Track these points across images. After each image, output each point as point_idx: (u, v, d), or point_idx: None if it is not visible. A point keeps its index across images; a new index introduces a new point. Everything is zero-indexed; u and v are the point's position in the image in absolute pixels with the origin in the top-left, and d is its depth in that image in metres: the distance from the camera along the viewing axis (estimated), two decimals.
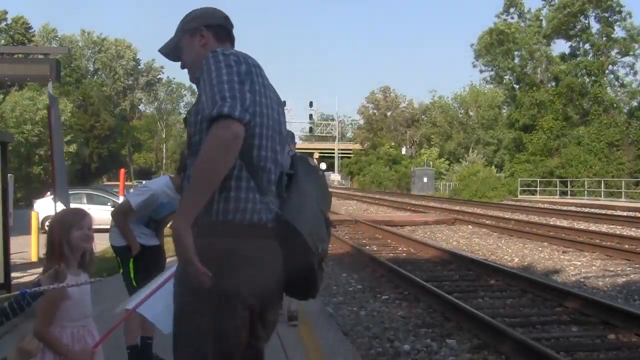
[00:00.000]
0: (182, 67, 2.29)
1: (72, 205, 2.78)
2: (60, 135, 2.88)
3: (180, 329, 2.01)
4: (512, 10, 44.45)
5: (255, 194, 2.00)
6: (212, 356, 1.95)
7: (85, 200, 17.23)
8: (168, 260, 4.55)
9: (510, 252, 11.85)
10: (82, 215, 2.66)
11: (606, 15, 40.74)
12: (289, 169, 2.15)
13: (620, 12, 40.57)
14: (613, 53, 41.93)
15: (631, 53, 41.41)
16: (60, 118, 2.81)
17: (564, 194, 36.49)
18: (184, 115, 2.21)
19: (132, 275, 4.13)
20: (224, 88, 1.93)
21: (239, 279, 1.95)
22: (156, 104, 76.57)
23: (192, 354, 1.97)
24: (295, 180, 2.11)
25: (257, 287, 1.99)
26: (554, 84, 42.63)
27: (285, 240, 2.01)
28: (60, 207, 2.68)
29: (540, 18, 43.79)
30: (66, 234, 2.57)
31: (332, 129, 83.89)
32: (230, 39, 2.28)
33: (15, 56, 8.45)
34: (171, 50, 2.32)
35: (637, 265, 9.80)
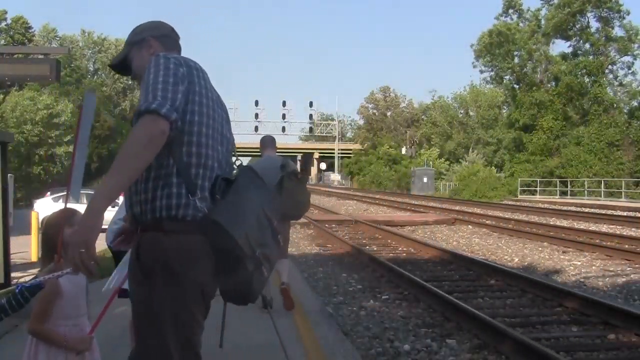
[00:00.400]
0: (133, 77, 2.37)
1: (73, 206, 2.80)
2: (86, 133, 2.92)
3: (145, 319, 2.06)
4: (511, 11, 44.54)
5: (198, 190, 2.07)
6: (177, 349, 2.03)
7: (85, 200, 17.22)
8: None
9: (510, 252, 11.85)
10: (73, 212, 2.68)
11: (605, 14, 40.77)
12: (230, 175, 2.19)
13: (619, 11, 40.62)
14: (612, 53, 41.94)
15: (630, 53, 41.43)
16: (91, 117, 2.85)
17: (564, 194, 36.50)
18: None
19: None
20: (157, 88, 2.01)
21: (199, 273, 2.05)
22: None
23: (157, 344, 2.03)
24: (235, 185, 2.14)
25: (212, 280, 2.09)
26: (553, 84, 42.64)
27: (216, 240, 2.04)
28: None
29: (539, 18, 43.82)
30: (59, 231, 2.58)
31: (332, 129, 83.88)
32: (178, 49, 2.36)
33: (15, 56, 8.46)
34: (120, 63, 2.39)
35: (637, 265, 9.80)
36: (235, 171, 2.24)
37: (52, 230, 2.62)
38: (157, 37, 2.32)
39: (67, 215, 2.64)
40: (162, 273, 2.01)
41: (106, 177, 1.94)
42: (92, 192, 2.22)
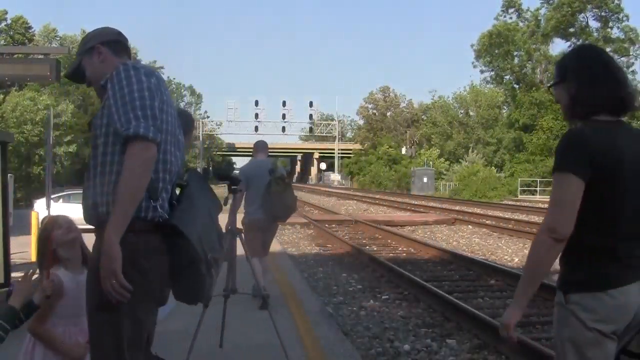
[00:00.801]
0: (88, 85, 2.44)
1: (72, 205, 2.90)
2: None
3: (104, 312, 2.12)
4: (510, 10, 44.53)
5: (162, 194, 2.21)
6: (130, 343, 2.13)
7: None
8: None
9: (510, 252, 11.85)
10: (56, 216, 2.78)
11: (605, 15, 40.73)
12: (183, 180, 2.34)
13: (619, 12, 40.57)
14: (611, 54, 41.87)
15: (631, 54, 41.39)
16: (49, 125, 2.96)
17: None
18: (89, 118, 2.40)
19: None
20: (136, 105, 2.11)
21: (161, 271, 2.19)
22: None
23: (113, 337, 2.11)
24: (187, 191, 2.31)
25: (166, 279, 2.23)
26: None
27: (174, 244, 2.18)
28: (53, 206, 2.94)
29: (539, 18, 43.79)
30: (50, 238, 2.64)
31: (332, 129, 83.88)
32: (128, 53, 2.45)
33: (15, 56, 8.46)
34: (74, 72, 2.47)
35: None
36: (185, 175, 2.38)
37: (40, 241, 2.68)
38: (104, 43, 2.38)
39: (51, 221, 2.72)
40: (130, 270, 2.08)
41: (115, 209, 2.07)
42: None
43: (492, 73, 46.43)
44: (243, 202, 5.68)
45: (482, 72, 47.73)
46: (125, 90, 2.13)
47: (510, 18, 44.56)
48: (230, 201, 5.48)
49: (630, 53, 41.18)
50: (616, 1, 40.11)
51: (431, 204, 28.22)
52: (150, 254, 2.15)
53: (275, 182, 3.18)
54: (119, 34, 2.46)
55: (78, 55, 2.45)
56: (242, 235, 4.54)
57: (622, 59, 42.01)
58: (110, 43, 2.40)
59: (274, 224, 5.98)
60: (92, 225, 2.26)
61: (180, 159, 2.33)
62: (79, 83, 2.54)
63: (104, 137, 2.20)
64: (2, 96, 37.06)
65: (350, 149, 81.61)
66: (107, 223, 2.12)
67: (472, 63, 47.12)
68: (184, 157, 2.39)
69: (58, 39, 60.56)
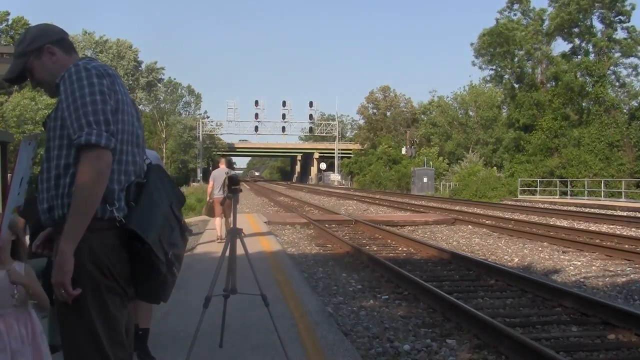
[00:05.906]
0: (36, 86, 2.36)
1: None
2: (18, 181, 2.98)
3: (73, 312, 2.09)
4: (516, 7, 44.27)
5: (120, 195, 2.17)
6: (107, 342, 2.10)
7: None
8: None
9: (510, 252, 11.85)
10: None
11: (611, 15, 40.58)
12: (141, 178, 2.27)
13: (626, 14, 40.37)
14: (616, 54, 41.72)
15: (634, 54, 41.21)
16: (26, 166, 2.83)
17: (564, 194, 36.48)
18: (45, 120, 2.29)
19: None
20: (88, 111, 2.06)
21: (117, 266, 2.14)
22: (155, 102, 76.51)
23: (89, 338, 2.09)
24: (147, 189, 2.24)
25: (128, 275, 2.20)
26: (554, 83, 42.51)
27: (132, 246, 2.15)
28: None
29: (544, 17, 43.64)
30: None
31: (332, 129, 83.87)
32: (74, 49, 2.39)
33: None
34: (19, 75, 2.34)
35: (637, 265, 9.80)
36: (145, 170, 2.32)
37: None
38: (55, 43, 2.31)
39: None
40: (90, 267, 2.08)
41: (70, 221, 2.04)
42: None
43: (492, 72, 46.25)
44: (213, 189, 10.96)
45: (481, 68, 47.35)
46: (76, 94, 2.08)
47: (515, 15, 44.35)
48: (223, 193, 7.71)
49: (634, 54, 40.98)
50: (627, 4, 39.77)
51: (431, 204, 28.22)
52: (108, 250, 2.12)
53: (229, 178, 5.34)
54: (62, 30, 2.38)
55: (21, 56, 2.31)
56: (242, 234, 4.56)
57: (627, 60, 41.85)
58: (59, 42, 2.32)
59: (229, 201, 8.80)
60: (50, 227, 2.24)
61: (137, 155, 2.26)
62: (17, 84, 2.41)
63: (59, 139, 2.15)
64: (6, 97, 37.05)
65: (350, 149, 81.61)
66: (63, 226, 2.09)
67: (472, 62, 46.98)
68: (144, 151, 2.33)
69: None
